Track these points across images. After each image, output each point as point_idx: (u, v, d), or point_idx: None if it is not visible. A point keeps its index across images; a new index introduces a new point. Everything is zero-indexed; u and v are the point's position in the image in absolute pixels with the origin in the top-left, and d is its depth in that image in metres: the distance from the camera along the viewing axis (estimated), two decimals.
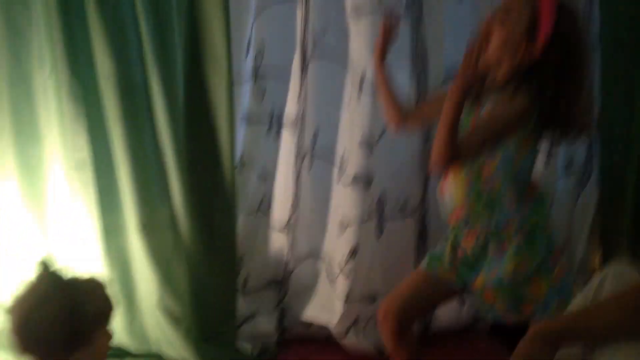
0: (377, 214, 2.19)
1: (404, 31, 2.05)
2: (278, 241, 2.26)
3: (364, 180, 2.07)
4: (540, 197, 1.65)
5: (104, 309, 1.37)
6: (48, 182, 2.04)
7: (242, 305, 2.23)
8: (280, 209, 2.23)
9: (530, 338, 1.22)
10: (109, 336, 1.39)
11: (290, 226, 2.23)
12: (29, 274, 1.99)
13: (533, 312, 1.61)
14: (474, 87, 1.49)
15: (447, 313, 2.33)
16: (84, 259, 2.09)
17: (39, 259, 1.32)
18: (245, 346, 2.19)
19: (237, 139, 2.10)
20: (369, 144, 2.07)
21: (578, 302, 1.36)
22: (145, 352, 2.13)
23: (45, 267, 1.31)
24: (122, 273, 2.10)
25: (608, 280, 1.32)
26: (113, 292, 1.99)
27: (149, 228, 2.03)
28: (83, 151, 1.97)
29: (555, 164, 2.31)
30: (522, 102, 1.50)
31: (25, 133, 1.98)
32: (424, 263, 1.76)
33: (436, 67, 2.11)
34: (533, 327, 1.25)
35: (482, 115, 1.56)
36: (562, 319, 1.30)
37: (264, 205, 2.27)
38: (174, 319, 2.07)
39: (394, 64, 1.89)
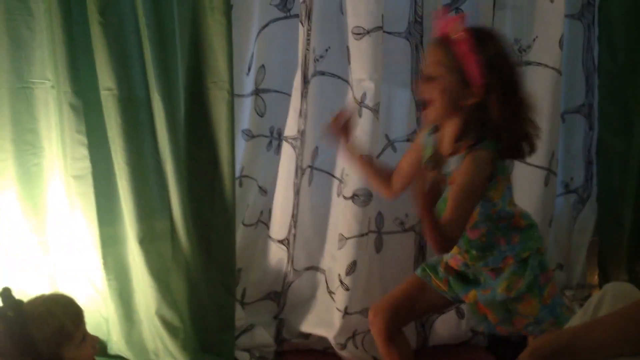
0: (376, 228, 2.20)
1: (405, 51, 2.07)
2: (277, 253, 2.26)
3: (364, 195, 2.08)
4: (528, 224, 1.70)
5: (62, 333, 1.36)
6: (48, 193, 2.04)
7: (241, 316, 2.23)
8: (279, 222, 2.23)
9: (529, 354, 1.22)
10: (89, 344, 1.37)
11: (289, 238, 2.24)
12: (28, 284, 2.02)
13: (525, 327, 1.67)
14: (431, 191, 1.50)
15: (445, 327, 2.33)
16: (83, 269, 2.10)
17: None
18: (244, 356, 2.20)
19: (238, 152, 2.11)
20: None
21: (577, 318, 1.37)
22: None
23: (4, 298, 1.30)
24: (121, 283, 2.11)
25: (607, 297, 1.33)
26: (112, 301, 2.05)
27: (148, 239, 2.03)
28: (83, 162, 1.97)
29: (554, 182, 2.33)
30: (482, 155, 1.54)
31: (26, 143, 1.98)
32: (419, 269, 1.84)
33: None
34: (532, 343, 1.26)
35: (453, 188, 1.57)
36: (561, 334, 1.30)
37: (264, 218, 2.28)
38: (172, 329, 2.08)
39: (396, 83, 1.90)
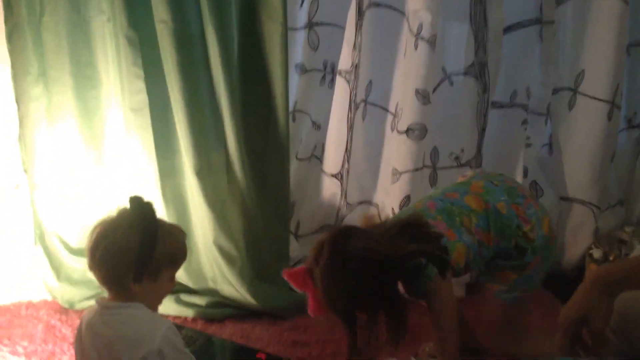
0: (431, 162, 2.18)
1: None
2: (330, 187, 2.28)
3: (419, 129, 2.06)
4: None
5: (178, 255, 1.42)
6: (106, 125, 2.09)
7: (295, 248, 2.28)
8: (333, 156, 2.24)
9: (589, 284, 1.20)
10: (172, 282, 1.44)
11: (342, 173, 2.24)
12: (89, 214, 2.10)
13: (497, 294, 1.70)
14: None
15: None
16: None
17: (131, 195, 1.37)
18: None
19: (291, 87, 2.10)
20: (425, 94, 2.04)
21: (638, 251, 1.35)
22: (202, 288, 2.21)
23: (137, 201, 1.36)
24: (179, 213, 2.17)
25: None
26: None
27: (204, 171, 2.07)
28: (140, 95, 2.00)
29: (618, 117, 2.25)
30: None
31: (84, 77, 2.02)
32: None
33: (495, 22, 2.06)
34: (591, 274, 1.24)
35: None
36: (623, 264, 1.28)
37: (317, 152, 2.29)
38: (230, 258, 2.13)
39: (453, 14, 1.84)
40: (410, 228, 1.51)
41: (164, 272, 1.38)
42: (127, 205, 1.37)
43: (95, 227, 1.35)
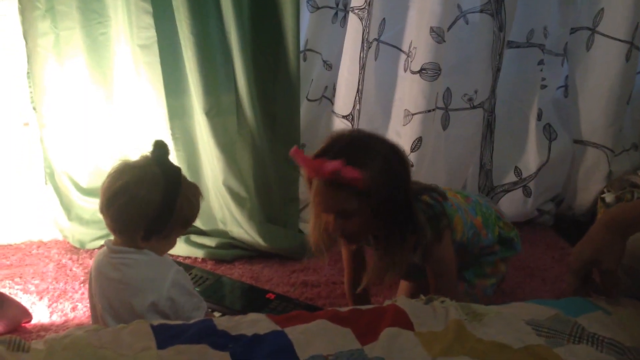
0: (444, 104, 2.15)
1: None
2: (342, 128, 2.25)
3: (433, 69, 2.02)
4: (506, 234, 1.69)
5: (191, 219, 1.42)
6: (115, 62, 2.06)
7: (305, 190, 2.25)
8: (344, 97, 2.20)
9: (602, 225, 1.19)
10: (175, 240, 1.44)
11: (354, 114, 2.21)
12: (99, 154, 2.09)
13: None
14: None
15: (511, 204, 2.33)
16: (150, 138, 2.13)
17: (156, 140, 1.35)
18: (308, 228, 2.24)
19: (302, 24, 2.05)
20: (439, 33, 1.99)
21: None
22: (212, 229, 2.21)
23: (161, 151, 1.34)
24: (189, 154, 2.15)
25: None
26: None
27: (214, 112, 2.04)
28: (149, 31, 1.96)
29: (636, 57, 2.20)
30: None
31: (92, 12, 1.97)
32: None
33: None
34: (604, 215, 1.23)
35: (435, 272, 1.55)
36: (635, 206, 1.27)
37: (328, 93, 2.25)
38: (239, 199, 2.13)
39: None
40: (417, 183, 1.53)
41: (174, 232, 1.39)
42: (151, 151, 1.34)
43: (117, 174, 1.32)
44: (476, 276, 1.69)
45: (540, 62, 2.20)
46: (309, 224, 1.52)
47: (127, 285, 1.33)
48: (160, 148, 1.35)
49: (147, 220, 1.31)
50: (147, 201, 1.29)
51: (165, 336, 1.02)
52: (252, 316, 1.11)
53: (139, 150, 1.40)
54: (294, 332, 1.05)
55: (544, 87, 2.28)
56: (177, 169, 1.36)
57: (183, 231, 1.44)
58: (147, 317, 1.27)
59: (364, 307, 1.17)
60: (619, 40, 2.14)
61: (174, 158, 2.12)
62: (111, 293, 1.35)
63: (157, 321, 1.07)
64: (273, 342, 1.02)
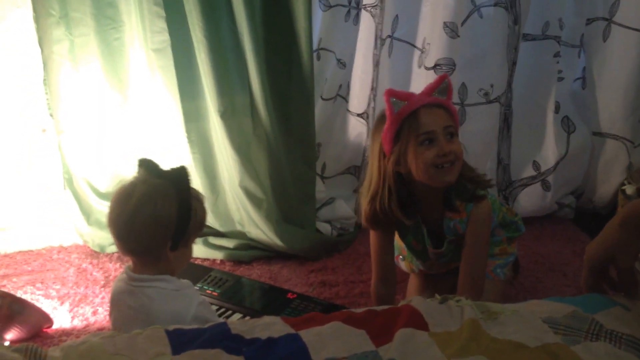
0: (459, 99, 2.13)
1: None
2: (356, 127, 2.25)
3: (447, 65, 2.00)
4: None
5: (204, 221, 1.42)
6: (130, 67, 2.07)
7: (321, 190, 2.26)
8: (358, 95, 2.20)
9: (619, 221, 1.18)
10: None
11: (369, 112, 2.20)
12: (117, 159, 2.10)
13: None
14: None
15: (529, 199, 2.31)
16: (167, 143, 2.15)
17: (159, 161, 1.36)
18: (325, 228, 2.25)
19: (315, 23, 2.05)
20: (453, 27, 1.98)
21: None
22: (230, 230, 2.22)
23: (149, 164, 1.35)
24: (205, 157, 2.16)
25: None
26: (197, 174, 2.12)
27: (229, 113, 2.05)
28: (162, 35, 1.97)
29: None
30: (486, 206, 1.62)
31: (106, 17, 1.99)
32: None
33: None
34: (621, 211, 1.21)
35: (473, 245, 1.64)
36: None
37: (342, 92, 2.24)
38: (256, 200, 2.13)
39: None
40: None
41: (192, 237, 1.39)
42: (141, 167, 1.34)
43: (125, 195, 1.31)
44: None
45: (557, 55, 2.17)
46: (364, 196, 1.62)
47: (148, 315, 1.31)
48: (146, 163, 1.34)
49: (171, 231, 1.30)
50: (167, 210, 1.29)
51: (180, 341, 1.02)
52: (266, 319, 1.12)
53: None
54: (308, 335, 1.05)
55: (560, 79, 2.25)
56: (185, 171, 1.35)
57: (198, 235, 1.45)
58: None
59: (378, 308, 1.16)
60: (636, 29, 2.10)
61: (190, 161, 2.14)
62: (131, 320, 1.32)
63: (172, 326, 1.08)
64: (287, 345, 1.02)
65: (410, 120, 1.52)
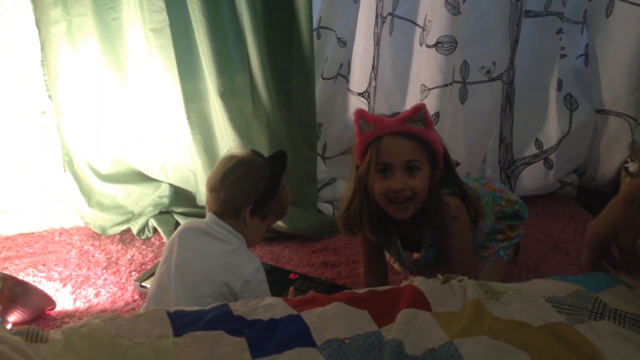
0: (461, 77, 2.11)
1: None
2: (358, 106, 2.22)
3: (449, 42, 1.98)
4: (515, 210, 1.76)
5: (284, 211, 1.63)
6: (128, 46, 2.05)
7: (322, 170, 2.25)
8: (359, 74, 2.18)
9: (621, 200, 1.17)
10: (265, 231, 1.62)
11: (370, 91, 2.19)
12: (116, 141, 2.09)
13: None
14: None
15: (532, 178, 2.30)
16: (167, 125, 2.14)
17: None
18: (327, 208, 2.24)
19: (315, 1, 2.03)
20: (455, 4, 1.95)
21: None
22: None
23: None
24: (205, 137, 2.15)
25: None
26: (198, 154, 2.10)
27: (229, 93, 2.04)
28: (160, 15, 1.95)
29: None
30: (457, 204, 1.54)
31: None
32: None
33: None
34: (624, 189, 1.20)
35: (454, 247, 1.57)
36: None
37: (343, 71, 2.23)
38: None
39: None
40: None
41: (270, 218, 1.58)
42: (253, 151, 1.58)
43: (229, 157, 1.53)
44: (488, 240, 1.74)
45: (559, 31, 2.14)
46: (342, 201, 1.60)
47: (212, 257, 1.46)
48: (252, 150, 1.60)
49: (256, 195, 1.49)
50: (259, 176, 1.49)
51: (182, 323, 1.02)
52: (268, 300, 1.11)
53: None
54: (310, 316, 1.04)
55: (563, 56, 2.23)
56: (285, 155, 1.57)
57: (274, 221, 1.62)
58: (214, 289, 1.41)
59: (381, 289, 1.15)
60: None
61: (190, 141, 2.12)
62: (195, 252, 1.47)
63: (174, 308, 1.07)
64: (289, 326, 1.02)
65: (373, 145, 1.47)
